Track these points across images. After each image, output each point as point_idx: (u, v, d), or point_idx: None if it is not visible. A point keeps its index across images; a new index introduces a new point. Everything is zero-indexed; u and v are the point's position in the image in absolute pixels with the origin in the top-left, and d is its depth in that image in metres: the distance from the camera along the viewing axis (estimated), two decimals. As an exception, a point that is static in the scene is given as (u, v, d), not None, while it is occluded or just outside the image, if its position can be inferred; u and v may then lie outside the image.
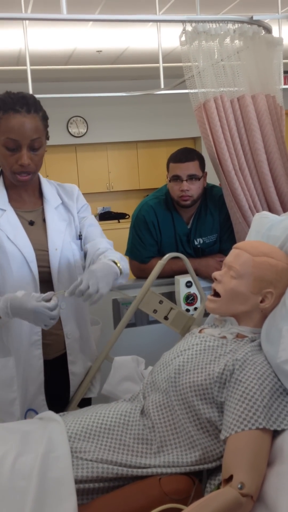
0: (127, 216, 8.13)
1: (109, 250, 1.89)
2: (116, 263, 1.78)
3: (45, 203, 1.89)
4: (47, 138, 1.86)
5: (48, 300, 1.62)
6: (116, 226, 7.75)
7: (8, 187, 1.86)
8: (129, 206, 8.45)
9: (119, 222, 8.05)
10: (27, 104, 1.72)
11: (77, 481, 1.32)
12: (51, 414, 1.57)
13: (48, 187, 1.93)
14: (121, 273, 1.78)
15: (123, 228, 6.65)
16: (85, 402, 1.98)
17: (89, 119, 7.99)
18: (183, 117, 7.89)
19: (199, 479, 1.39)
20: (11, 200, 1.86)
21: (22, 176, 1.77)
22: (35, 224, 1.86)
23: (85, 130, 8.01)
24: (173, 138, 8.25)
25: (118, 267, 1.78)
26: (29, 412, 1.85)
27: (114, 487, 1.36)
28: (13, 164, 1.75)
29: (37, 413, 1.80)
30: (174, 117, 7.99)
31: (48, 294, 1.63)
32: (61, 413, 1.62)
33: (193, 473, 1.39)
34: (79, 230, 1.94)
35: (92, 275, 1.66)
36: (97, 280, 1.64)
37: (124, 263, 1.85)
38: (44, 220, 1.87)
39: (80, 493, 1.31)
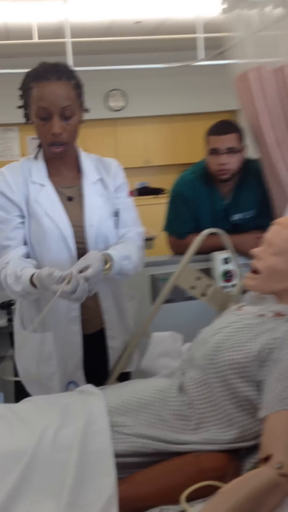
0: (164, 191, 8.07)
1: (127, 242, 1.86)
2: (106, 262, 1.71)
3: (83, 178, 1.87)
4: (86, 110, 1.83)
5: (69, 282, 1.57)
6: (153, 201, 7.71)
7: (48, 161, 1.86)
8: (167, 181, 8.35)
9: (156, 197, 8.00)
10: (58, 71, 1.70)
11: (116, 455, 1.33)
12: (90, 387, 1.59)
13: (88, 162, 1.90)
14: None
15: (160, 204, 6.61)
16: (124, 376, 2.00)
17: (128, 92, 7.91)
18: (222, 89, 7.69)
19: (237, 457, 1.39)
20: (50, 175, 1.85)
21: (55, 147, 1.75)
22: (73, 200, 1.85)
23: (125, 104, 7.94)
24: (211, 111, 8.09)
25: (106, 268, 1.70)
26: (70, 384, 1.87)
27: (152, 462, 1.37)
28: (46, 134, 1.73)
29: (77, 385, 1.83)
30: (212, 89, 7.80)
31: (67, 274, 1.57)
32: (100, 387, 1.64)
33: (230, 450, 1.38)
34: (116, 207, 1.92)
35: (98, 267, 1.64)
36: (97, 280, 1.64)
37: (127, 262, 1.79)
38: (81, 196, 1.86)
39: (119, 467, 1.33)
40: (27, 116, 1.80)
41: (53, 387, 1.85)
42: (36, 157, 1.87)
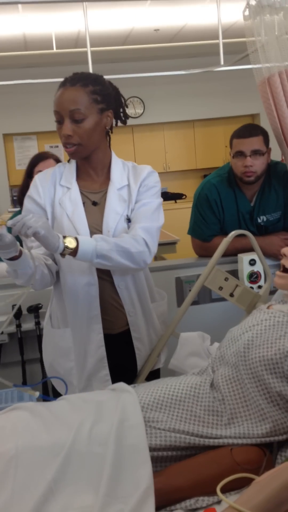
0: (184, 196, 8.10)
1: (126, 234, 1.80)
2: (65, 238, 1.65)
3: (110, 184, 1.91)
4: (122, 122, 1.91)
5: None
6: (173, 206, 7.75)
7: (78, 166, 1.92)
8: (186, 186, 8.39)
9: (175, 202, 8.03)
10: (74, 79, 1.79)
11: (150, 449, 1.37)
12: (123, 385, 1.63)
13: (118, 169, 1.93)
14: (65, 249, 1.64)
15: (180, 209, 6.66)
16: (152, 375, 2.03)
17: (146, 99, 7.98)
18: (241, 93, 7.74)
19: (270, 451, 1.41)
20: (80, 179, 1.91)
21: (67, 148, 1.81)
22: (98, 205, 1.89)
23: (142, 111, 8.02)
24: (231, 115, 8.13)
25: (65, 241, 1.64)
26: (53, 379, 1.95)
27: (186, 456, 1.41)
28: (61, 136, 1.81)
29: (63, 381, 1.86)
30: (232, 94, 7.87)
31: None
32: (132, 385, 1.67)
33: (263, 444, 1.41)
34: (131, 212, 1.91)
35: (39, 217, 1.59)
36: (39, 220, 1.58)
37: (103, 243, 1.71)
38: (106, 201, 1.90)
39: (153, 461, 1.36)
40: None
41: (72, 382, 1.92)
42: (69, 161, 1.95)
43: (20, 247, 1.67)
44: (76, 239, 1.67)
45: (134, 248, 1.76)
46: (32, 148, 7.95)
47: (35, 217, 1.58)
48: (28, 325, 2.50)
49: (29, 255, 1.69)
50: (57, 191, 1.89)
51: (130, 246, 1.75)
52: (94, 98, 1.79)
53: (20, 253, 1.66)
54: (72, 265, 1.83)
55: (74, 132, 1.78)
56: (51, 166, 2.61)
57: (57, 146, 7.84)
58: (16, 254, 1.64)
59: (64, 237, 1.66)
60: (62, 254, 1.66)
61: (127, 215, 1.88)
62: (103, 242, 1.71)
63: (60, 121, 1.79)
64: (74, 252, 1.67)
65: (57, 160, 2.72)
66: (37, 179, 1.92)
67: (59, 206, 1.86)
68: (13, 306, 2.47)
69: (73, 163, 1.93)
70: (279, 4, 2.35)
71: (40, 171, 2.60)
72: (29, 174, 2.70)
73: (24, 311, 2.48)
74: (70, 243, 1.65)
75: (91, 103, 1.78)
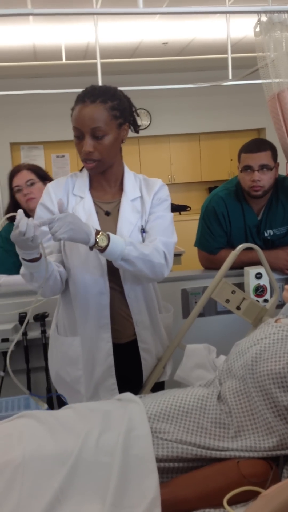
0: (188, 209, 8.11)
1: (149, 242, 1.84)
2: (98, 234, 1.70)
3: (123, 195, 1.93)
4: (135, 131, 1.94)
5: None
6: (177, 218, 7.75)
7: (91, 176, 1.94)
8: (191, 199, 8.42)
9: (180, 214, 8.05)
10: (93, 94, 1.79)
11: (157, 460, 1.37)
12: (129, 395, 1.63)
13: (131, 181, 1.96)
14: (95, 245, 1.70)
15: (184, 221, 6.67)
16: (157, 386, 2.03)
17: (152, 111, 8.03)
18: (247, 108, 7.79)
19: (276, 464, 1.41)
20: (92, 188, 1.93)
21: (87, 163, 1.83)
22: (111, 215, 1.92)
23: (149, 123, 8.07)
24: (237, 129, 8.17)
25: (97, 238, 1.69)
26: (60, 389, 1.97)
27: (192, 467, 1.41)
28: (80, 152, 1.82)
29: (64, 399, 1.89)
30: (238, 108, 7.92)
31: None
32: (138, 395, 1.68)
33: (270, 458, 1.41)
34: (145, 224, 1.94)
35: (64, 220, 1.64)
36: (63, 225, 1.63)
37: (131, 248, 1.75)
38: (119, 211, 1.92)
39: (160, 472, 1.36)
40: None
41: (79, 390, 1.93)
42: (81, 171, 1.97)
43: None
44: (109, 237, 1.71)
45: (157, 259, 1.82)
46: (38, 158, 8.00)
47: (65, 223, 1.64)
48: (34, 333, 2.51)
49: (45, 259, 1.73)
50: (70, 200, 1.91)
51: (153, 257, 1.81)
52: (113, 114, 1.81)
53: (40, 255, 1.69)
54: (85, 273, 1.85)
55: (95, 149, 1.80)
56: (26, 177, 2.63)
57: (63, 156, 7.88)
58: (37, 256, 1.67)
59: (98, 232, 1.70)
60: (91, 248, 1.72)
61: (142, 226, 1.91)
62: (132, 247, 1.76)
63: (79, 137, 1.81)
64: (103, 248, 1.72)
65: (31, 169, 2.67)
66: (50, 187, 1.94)
67: None
68: (20, 314, 2.50)
69: (85, 172, 1.95)
70: (290, 21, 2.38)
71: (17, 185, 2.61)
72: (11, 192, 2.67)
73: (31, 319, 2.49)
74: (102, 241, 1.70)
75: (111, 120, 1.81)
